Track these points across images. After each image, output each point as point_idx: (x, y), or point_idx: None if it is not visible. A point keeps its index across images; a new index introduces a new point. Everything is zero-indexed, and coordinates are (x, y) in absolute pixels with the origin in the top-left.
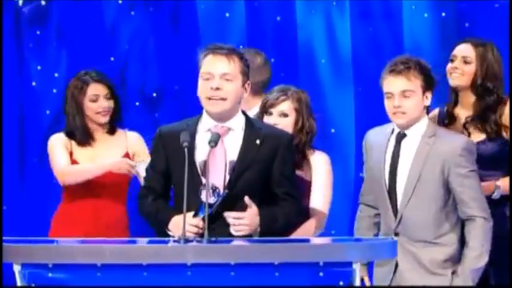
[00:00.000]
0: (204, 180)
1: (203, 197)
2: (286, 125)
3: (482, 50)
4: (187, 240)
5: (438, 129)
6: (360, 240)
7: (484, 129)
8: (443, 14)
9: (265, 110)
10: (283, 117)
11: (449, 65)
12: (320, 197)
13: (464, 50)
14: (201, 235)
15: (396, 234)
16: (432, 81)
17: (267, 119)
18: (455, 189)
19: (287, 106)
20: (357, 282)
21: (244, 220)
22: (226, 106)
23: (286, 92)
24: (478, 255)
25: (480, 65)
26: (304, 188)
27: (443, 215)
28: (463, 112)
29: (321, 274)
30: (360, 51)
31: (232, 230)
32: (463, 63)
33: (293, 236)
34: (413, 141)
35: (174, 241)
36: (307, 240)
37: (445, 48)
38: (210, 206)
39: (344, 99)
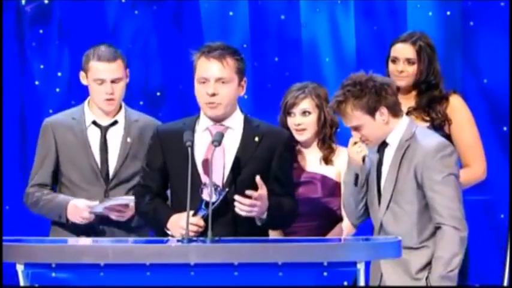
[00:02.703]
0: (203, 179)
1: (205, 195)
2: (310, 122)
3: (421, 47)
4: (190, 240)
5: (418, 131)
6: (364, 240)
7: (430, 117)
8: (448, 13)
9: (286, 111)
10: (305, 115)
11: (393, 67)
12: None
13: (406, 51)
14: (201, 234)
15: None
16: (382, 100)
17: (289, 120)
18: (427, 194)
19: (308, 104)
20: (362, 282)
21: (257, 201)
22: (224, 110)
23: (304, 89)
24: (444, 263)
25: (422, 63)
26: (332, 188)
27: (425, 219)
28: (404, 103)
29: (325, 274)
30: (364, 50)
31: (240, 211)
32: (407, 65)
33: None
34: (392, 147)
35: (178, 241)
36: (311, 240)
37: (449, 47)
38: (209, 204)
39: None
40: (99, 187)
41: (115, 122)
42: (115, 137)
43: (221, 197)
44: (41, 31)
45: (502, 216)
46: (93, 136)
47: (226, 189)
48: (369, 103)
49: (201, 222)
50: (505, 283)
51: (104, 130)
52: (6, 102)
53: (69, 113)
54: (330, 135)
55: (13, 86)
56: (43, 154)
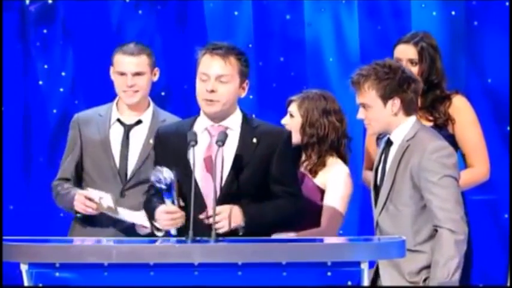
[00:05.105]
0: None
1: (153, 178)
2: (293, 125)
3: (423, 48)
4: (194, 240)
5: (421, 131)
6: (368, 240)
7: (433, 117)
8: (453, 13)
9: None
10: (291, 117)
11: None
12: (331, 209)
13: (408, 51)
14: (184, 227)
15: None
16: (400, 92)
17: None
18: (425, 197)
19: (293, 108)
20: (365, 282)
21: (223, 214)
22: (221, 108)
23: (303, 94)
24: (442, 268)
25: (424, 63)
26: (310, 190)
27: (421, 221)
28: None
29: (329, 274)
30: (368, 50)
31: (221, 229)
32: (409, 66)
33: None
34: (395, 146)
35: (181, 241)
36: (315, 240)
37: (454, 47)
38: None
39: (352, 98)
40: (116, 186)
41: (139, 122)
42: (138, 137)
43: (172, 183)
44: (45, 31)
45: (506, 216)
46: (116, 134)
47: (172, 178)
48: (386, 88)
49: (172, 208)
50: (509, 283)
51: (127, 129)
52: (9, 102)
53: (98, 109)
54: (313, 144)
55: (17, 85)
56: (69, 148)
